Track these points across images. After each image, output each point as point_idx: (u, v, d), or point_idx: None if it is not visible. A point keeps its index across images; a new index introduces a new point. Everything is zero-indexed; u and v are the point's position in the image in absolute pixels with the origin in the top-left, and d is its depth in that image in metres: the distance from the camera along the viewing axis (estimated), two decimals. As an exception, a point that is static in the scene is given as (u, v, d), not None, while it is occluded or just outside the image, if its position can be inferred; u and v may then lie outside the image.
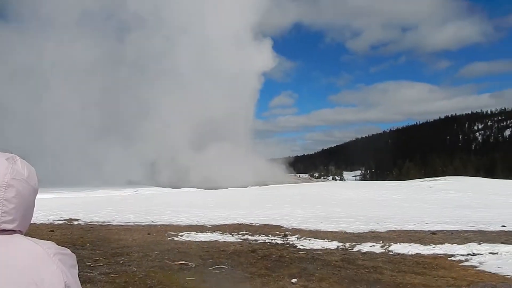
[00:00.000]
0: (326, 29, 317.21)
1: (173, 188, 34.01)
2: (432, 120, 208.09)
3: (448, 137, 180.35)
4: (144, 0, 59.02)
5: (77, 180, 40.41)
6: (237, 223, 11.67)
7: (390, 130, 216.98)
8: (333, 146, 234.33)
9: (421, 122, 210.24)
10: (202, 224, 11.58)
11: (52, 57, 57.86)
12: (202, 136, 52.57)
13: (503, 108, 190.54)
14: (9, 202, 1.12)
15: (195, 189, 32.74)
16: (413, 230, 10.12)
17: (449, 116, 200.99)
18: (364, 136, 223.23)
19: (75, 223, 11.97)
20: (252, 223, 11.67)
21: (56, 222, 11.99)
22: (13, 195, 1.12)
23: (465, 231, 9.87)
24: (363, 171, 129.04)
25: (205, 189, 31.81)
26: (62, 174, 42.59)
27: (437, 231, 9.88)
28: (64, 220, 12.46)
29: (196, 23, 58.36)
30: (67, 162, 49.47)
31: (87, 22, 62.94)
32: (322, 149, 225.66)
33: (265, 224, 11.45)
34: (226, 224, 11.46)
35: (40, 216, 12.82)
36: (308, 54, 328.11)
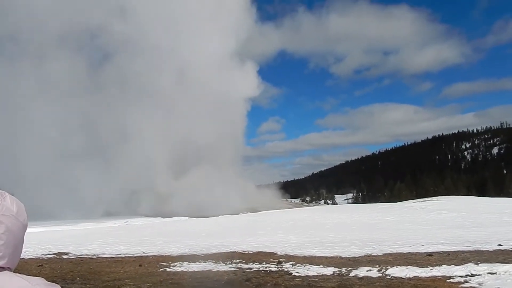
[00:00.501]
0: (309, 55, 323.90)
1: (163, 218, 33.56)
2: (420, 140, 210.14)
3: (437, 156, 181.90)
4: (126, 22, 58.09)
5: (56, 210, 39.26)
6: (230, 251, 11.46)
7: (379, 151, 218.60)
8: (323, 169, 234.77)
9: (409, 143, 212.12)
10: (195, 253, 11.34)
11: (30, 80, 55.78)
12: (186, 162, 51.90)
13: (488, 126, 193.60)
14: None
15: (186, 218, 32.34)
16: (409, 253, 10.01)
17: (436, 136, 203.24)
18: (353, 158, 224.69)
19: (65, 256, 11.64)
20: (245, 251, 11.46)
21: (45, 256, 11.64)
22: (2, 232, 1.11)
23: (461, 251, 9.78)
24: (354, 194, 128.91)
25: (196, 217, 31.44)
26: (40, 203, 40.54)
27: (434, 252, 9.79)
28: (53, 254, 12.12)
29: (178, 45, 57.83)
30: (44, 189, 46.94)
31: (67, 44, 60.09)
32: (312, 173, 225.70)
33: (258, 252, 11.25)
34: (219, 253, 11.23)
35: (28, 250, 12.45)
36: (294, 80, 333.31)
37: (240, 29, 61.10)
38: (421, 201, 31.97)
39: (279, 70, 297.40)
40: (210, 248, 12.29)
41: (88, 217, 36.73)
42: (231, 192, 47.02)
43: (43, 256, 11.78)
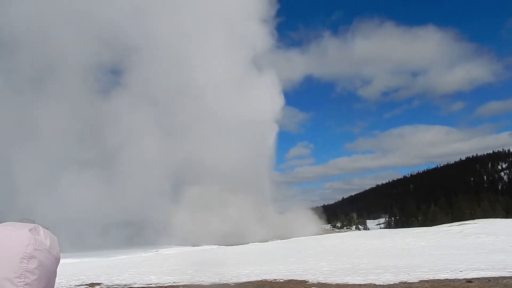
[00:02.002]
0: (336, 79, 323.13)
1: (193, 246, 33.57)
2: (453, 162, 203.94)
3: (472, 178, 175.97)
4: (139, 34, 55.79)
5: (51, 225, 38.88)
6: (261, 280, 11.29)
7: (411, 174, 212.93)
8: (353, 194, 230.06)
9: (442, 165, 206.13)
10: (225, 282, 11.23)
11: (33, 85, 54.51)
12: (212, 188, 49.30)
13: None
14: (32, 274, 1.10)
15: (215, 246, 32.24)
16: (447, 279, 9.60)
17: (471, 156, 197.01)
18: (384, 182, 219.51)
19: (97, 287, 11.75)
20: (276, 279, 11.27)
21: (78, 287, 11.80)
22: (35, 266, 1.11)
23: (503, 277, 9.32)
24: (386, 219, 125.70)
25: (225, 245, 31.28)
26: (34, 215, 40.68)
27: (473, 278, 9.36)
28: (86, 284, 12.26)
29: (198, 66, 54.96)
30: (39, 200, 45.34)
31: (75, 53, 56.91)
32: (342, 198, 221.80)
33: (289, 280, 11.04)
34: (249, 282, 11.09)
35: (62, 281, 12.66)
36: (321, 105, 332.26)
37: (265, 52, 60.02)
38: (458, 225, 30.83)
39: (306, 95, 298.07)
40: (240, 276, 12.15)
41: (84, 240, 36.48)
42: (260, 219, 46.57)
43: (76, 286, 11.94)
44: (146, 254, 27.77)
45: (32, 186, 47.70)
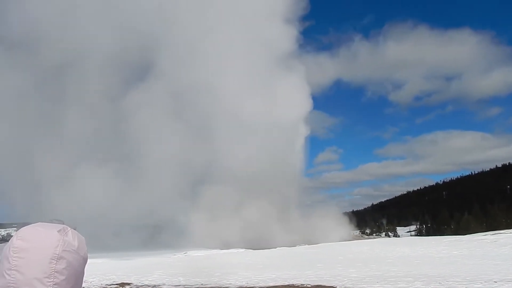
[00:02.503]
0: (367, 83, 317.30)
1: (221, 249, 33.72)
2: (488, 169, 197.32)
3: (508, 186, 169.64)
4: (161, 32, 54.62)
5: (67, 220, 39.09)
6: (288, 285, 11.27)
7: (443, 181, 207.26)
8: (383, 200, 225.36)
9: (476, 172, 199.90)
10: (252, 286, 11.27)
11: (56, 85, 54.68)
12: (240, 192, 48.10)
13: None
14: (60, 274, 1.14)
15: (242, 249, 32.30)
16: (480, 290, 9.33)
17: (507, 164, 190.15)
18: (415, 189, 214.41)
19: (127, 287, 12.02)
20: (304, 284, 11.23)
21: (108, 287, 12.11)
22: (64, 267, 1.15)
23: (539, 289, 8.98)
24: (417, 226, 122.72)
25: (253, 249, 31.28)
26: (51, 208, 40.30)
27: (508, 290, 9.06)
28: (116, 284, 12.57)
29: (220, 64, 53.02)
30: (57, 194, 45.83)
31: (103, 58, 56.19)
32: (372, 204, 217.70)
33: (317, 285, 10.97)
34: (276, 286, 11.09)
35: (94, 280, 13.03)
36: (351, 109, 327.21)
37: (292, 53, 56.90)
38: (492, 234, 29.84)
39: (335, 99, 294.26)
40: (267, 281, 12.17)
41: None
42: (287, 223, 46.19)
43: (107, 286, 12.26)
44: (175, 256, 28.13)
45: (52, 182, 48.30)
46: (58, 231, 1.18)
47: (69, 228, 1.22)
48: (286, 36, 56.20)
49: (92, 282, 12.69)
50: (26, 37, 55.83)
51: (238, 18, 55.50)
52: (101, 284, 12.53)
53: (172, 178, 49.77)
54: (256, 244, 35.35)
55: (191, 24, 55.05)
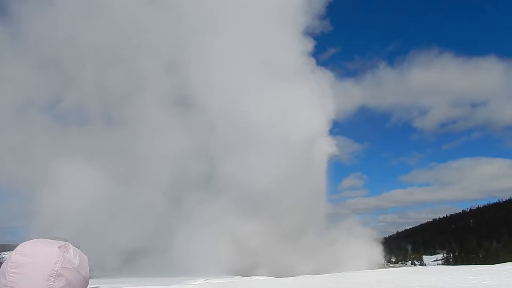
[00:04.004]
0: (391, 109, 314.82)
1: (242, 276, 33.35)
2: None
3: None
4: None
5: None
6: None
7: (471, 209, 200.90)
8: (408, 228, 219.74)
9: (504, 200, 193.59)
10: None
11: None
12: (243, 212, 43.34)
13: None
14: None
15: (265, 277, 31.89)
16: (511, 321, 9.03)
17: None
18: (442, 216, 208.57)
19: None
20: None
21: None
22: (63, 285, 1.12)
23: None
24: (444, 255, 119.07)
25: (275, 276, 30.86)
26: None
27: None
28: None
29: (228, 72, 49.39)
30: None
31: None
32: (397, 232, 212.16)
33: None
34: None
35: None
36: (375, 135, 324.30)
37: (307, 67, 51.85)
38: (523, 264, 28.72)
39: (360, 125, 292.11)
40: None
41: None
42: (311, 250, 44.97)
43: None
44: (196, 283, 27.97)
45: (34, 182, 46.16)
46: (59, 248, 1.16)
47: (70, 245, 1.19)
48: (302, 47, 51.89)
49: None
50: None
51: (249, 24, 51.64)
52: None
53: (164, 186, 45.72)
54: (279, 271, 34.51)
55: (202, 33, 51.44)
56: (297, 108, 47.97)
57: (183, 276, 31.83)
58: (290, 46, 51.15)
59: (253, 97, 48.10)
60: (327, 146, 50.73)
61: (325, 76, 53.65)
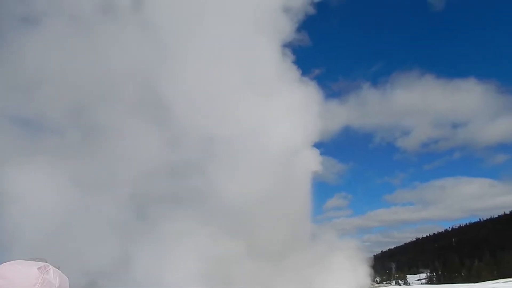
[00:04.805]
0: (375, 129, 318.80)
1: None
2: (496, 215, 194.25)
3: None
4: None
5: None
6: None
7: (453, 228, 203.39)
8: (392, 247, 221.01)
9: (485, 219, 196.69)
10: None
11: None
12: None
13: None
14: None
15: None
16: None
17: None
18: (425, 235, 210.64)
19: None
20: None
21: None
22: None
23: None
24: (428, 274, 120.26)
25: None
26: None
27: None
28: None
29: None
30: None
31: None
32: (381, 251, 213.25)
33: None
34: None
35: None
36: (359, 155, 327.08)
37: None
38: (504, 282, 29.65)
39: (344, 145, 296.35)
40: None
41: None
42: (299, 271, 44.69)
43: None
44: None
45: None
46: (38, 269, 1.13)
47: (50, 267, 1.16)
48: (282, 57, 46.75)
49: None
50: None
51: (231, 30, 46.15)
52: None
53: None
54: None
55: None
56: (276, 119, 44.75)
57: None
58: (271, 57, 46.72)
59: (231, 108, 44.04)
60: (310, 161, 47.98)
61: (308, 88, 48.42)
